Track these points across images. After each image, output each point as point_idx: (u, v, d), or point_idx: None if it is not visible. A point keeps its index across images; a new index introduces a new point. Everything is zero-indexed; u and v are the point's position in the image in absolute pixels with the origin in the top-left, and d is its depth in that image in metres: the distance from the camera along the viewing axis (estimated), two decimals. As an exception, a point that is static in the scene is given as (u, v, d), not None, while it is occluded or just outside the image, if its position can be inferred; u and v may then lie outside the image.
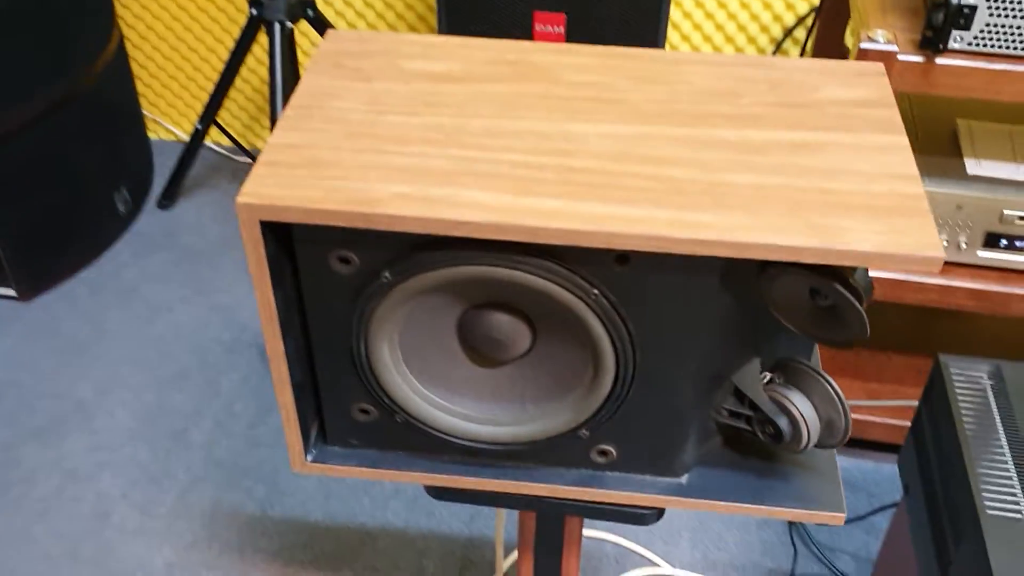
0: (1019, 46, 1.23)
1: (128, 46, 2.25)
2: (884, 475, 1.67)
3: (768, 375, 0.77)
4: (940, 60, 1.25)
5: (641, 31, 1.40)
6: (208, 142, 2.34)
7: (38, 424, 1.73)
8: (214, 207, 2.21)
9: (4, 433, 1.71)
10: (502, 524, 1.18)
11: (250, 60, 2.21)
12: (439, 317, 0.72)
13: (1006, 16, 1.21)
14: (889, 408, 1.65)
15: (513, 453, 0.78)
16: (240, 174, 2.30)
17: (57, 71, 1.83)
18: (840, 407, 0.75)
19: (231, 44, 2.20)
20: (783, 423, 0.74)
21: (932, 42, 1.24)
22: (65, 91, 1.86)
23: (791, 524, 1.59)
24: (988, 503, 0.95)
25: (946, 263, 1.47)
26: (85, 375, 1.82)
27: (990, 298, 1.44)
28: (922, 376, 1.72)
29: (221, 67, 2.23)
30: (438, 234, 0.63)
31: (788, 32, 1.96)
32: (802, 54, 1.90)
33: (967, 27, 1.24)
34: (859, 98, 0.74)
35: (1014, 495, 0.97)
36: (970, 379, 1.07)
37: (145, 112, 2.32)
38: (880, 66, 0.77)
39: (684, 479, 0.78)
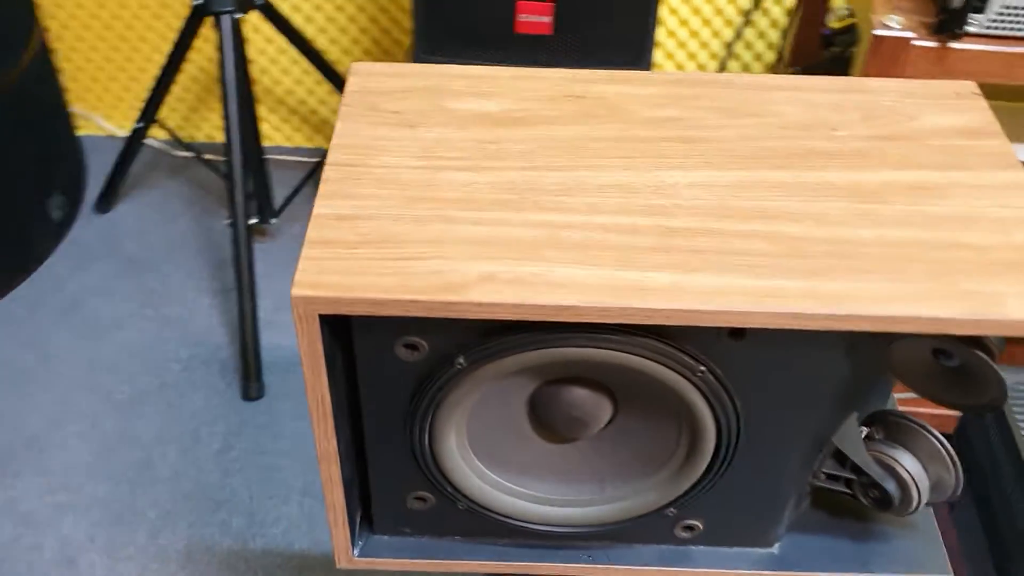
0: (1040, 30, 1.17)
1: (49, 37, 2.07)
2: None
3: (865, 430, 0.70)
4: (956, 45, 1.19)
5: (630, 22, 1.31)
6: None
7: (-15, 463, 1.59)
8: (155, 209, 2.06)
9: (-53, 476, 1.57)
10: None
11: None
12: (509, 395, 0.63)
13: (1027, -1, 1.15)
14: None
15: (586, 535, 0.70)
16: (180, 170, 2.15)
17: (-23, 73, 1.66)
18: (951, 463, 0.68)
19: (162, 30, 2.04)
20: (891, 487, 0.67)
21: (947, 26, 1.18)
22: (-13, 94, 1.69)
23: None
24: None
25: None
26: (33, 406, 1.67)
27: None
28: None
29: (152, 54, 2.07)
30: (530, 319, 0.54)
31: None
32: (780, 53, 1.82)
33: (982, 10, 1.18)
34: (962, 126, 0.66)
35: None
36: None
37: (73, 108, 2.14)
38: (973, 85, 0.70)
39: (776, 549, 0.71)
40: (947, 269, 0.56)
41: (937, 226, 0.59)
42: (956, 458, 0.68)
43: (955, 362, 0.60)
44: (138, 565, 1.46)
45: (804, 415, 0.62)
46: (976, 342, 0.58)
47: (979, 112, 0.67)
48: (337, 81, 1.87)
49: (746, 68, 1.98)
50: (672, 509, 0.67)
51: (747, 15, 1.90)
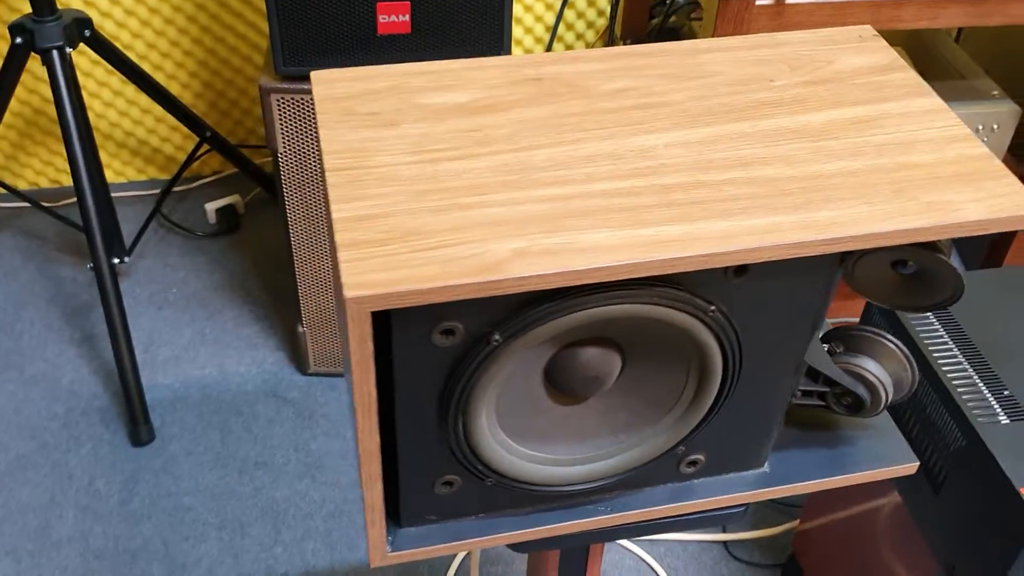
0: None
1: None
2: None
3: (826, 346, 0.77)
4: (792, 0, 1.30)
5: (486, 12, 1.35)
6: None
7: None
8: (-11, 266, 1.94)
9: None
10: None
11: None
12: (528, 367, 0.66)
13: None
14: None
15: (605, 487, 0.74)
16: (8, 222, 2.02)
17: None
18: (906, 362, 0.76)
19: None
20: (862, 392, 0.75)
21: (781, -16, 1.29)
22: None
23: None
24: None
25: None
26: (-98, 493, 1.55)
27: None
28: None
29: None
30: (564, 285, 0.57)
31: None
32: (612, 20, 1.91)
33: (808, -34, 1.30)
34: (875, 64, 0.74)
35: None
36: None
37: None
38: (871, 28, 0.78)
39: (767, 468, 0.78)
40: (906, 187, 0.63)
41: (884, 153, 0.66)
42: (911, 356, 0.76)
43: (911, 269, 0.68)
44: (61, 635, 1.38)
45: (789, 338, 0.69)
46: (931, 246, 0.66)
47: (884, 51, 0.76)
48: (177, 110, 1.80)
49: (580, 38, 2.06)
50: (681, 447, 0.72)
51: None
